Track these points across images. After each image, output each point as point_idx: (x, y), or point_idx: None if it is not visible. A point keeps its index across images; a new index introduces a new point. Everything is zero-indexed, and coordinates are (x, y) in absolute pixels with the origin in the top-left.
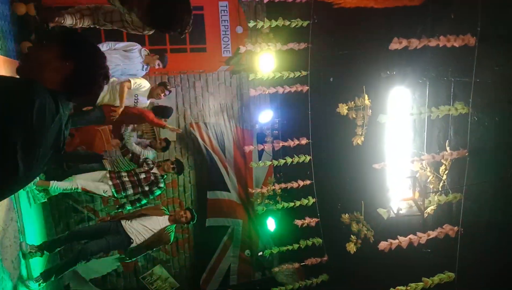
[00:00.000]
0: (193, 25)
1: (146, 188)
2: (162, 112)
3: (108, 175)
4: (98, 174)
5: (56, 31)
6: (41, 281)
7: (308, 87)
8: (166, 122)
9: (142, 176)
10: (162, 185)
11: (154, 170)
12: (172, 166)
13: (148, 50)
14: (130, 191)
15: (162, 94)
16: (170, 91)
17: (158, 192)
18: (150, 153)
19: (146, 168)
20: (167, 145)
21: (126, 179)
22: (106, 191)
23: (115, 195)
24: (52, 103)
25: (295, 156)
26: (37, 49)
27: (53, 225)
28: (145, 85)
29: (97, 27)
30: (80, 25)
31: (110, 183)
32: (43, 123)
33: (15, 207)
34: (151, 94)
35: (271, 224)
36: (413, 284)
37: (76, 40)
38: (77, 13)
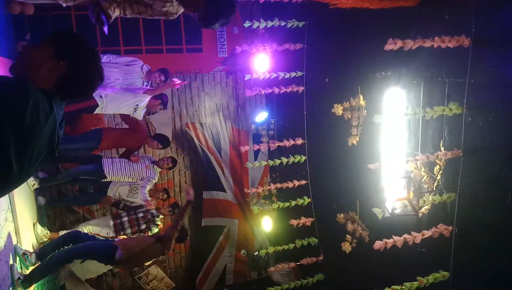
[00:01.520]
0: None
1: (143, 227)
2: (160, 141)
3: (111, 220)
4: (106, 220)
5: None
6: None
7: (303, 88)
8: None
9: (140, 215)
10: (158, 222)
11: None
12: (169, 209)
13: (149, 67)
14: (129, 231)
15: (159, 108)
16: (166, 107)
17: (155, 229)
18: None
19: (145, 209)
20: (174, 164)
21: (125, 219)
22: (109, 232)
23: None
24: (46, 102)
25: (290, 156)
26: (31, 48)
27: (49, 226)
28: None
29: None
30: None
31: (111, 223)
32: (37, 123)
33: (10, 207)
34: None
35: (266, 224)
36: (408, 284)
37: (71, 40)
38: (110, 6)
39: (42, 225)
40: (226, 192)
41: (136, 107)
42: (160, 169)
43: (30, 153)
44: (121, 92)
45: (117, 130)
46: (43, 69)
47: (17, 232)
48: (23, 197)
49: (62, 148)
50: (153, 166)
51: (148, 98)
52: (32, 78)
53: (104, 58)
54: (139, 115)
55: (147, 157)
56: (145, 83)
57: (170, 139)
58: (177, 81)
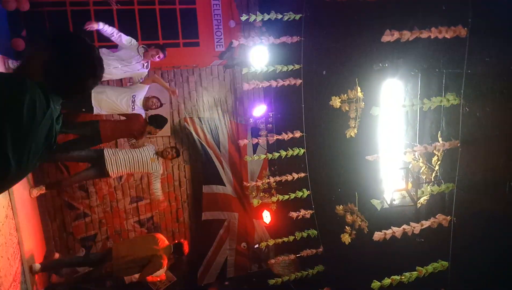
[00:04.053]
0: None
1: None
2: (157, 121)
3: None
4: None
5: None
6: None
7: (301, 80)
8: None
9: None
10: None
11: None
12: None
13: (145, 46)
14: None
15: (155, 105)
16: (162, 104)
17: None
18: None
19: None
20: (177, 154)
21: None
22: None
23: None
24: (42, 98)
25: (289, 149)
26: (31, 48)
27: (49, 222)
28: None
29: None
30: None
31: None
32: (34, 119)
33: (10, 204)
34: (145, 102)
35: (266, 216)
36: (407, 274)
37: (63, 35)
38: None
39: (43, 220)
40: (225, 186)
41: (133, 99)
42: (163, 159)
43: (28, 149)
44: (116, 87)
45: (113, 120)
46: (32, 61)
47: (17, 229)
48: (23, 194)
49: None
50: (158, 157)
51: (145, 88)
52: (24, 72)
53: (100, 26)
54: (141, 111)
55: (151, 146)
56: (145, 64)
57: (169, 134)
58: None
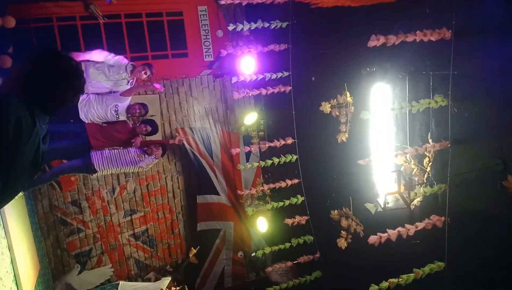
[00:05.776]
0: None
1: None
2: (150, 124)
3: None
4: None
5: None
6: None
7: (290, 87)
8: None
9: None
10: None
11: None
12: None
13: (133, 64)
14: None
15: (137, 113)
16: (147, 111)
17: None
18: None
19: None
20: (164, 151)
21: None
22: None
23: None
24: (28, 117)
25: (282, 156)
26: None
27: (43, 239)
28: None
29: None
30: None
31: None
32: (20, 138)
33: (2, 223)
34: (127, 110)
35: (262, 224)
36: (404, 276)
37: (41, 50)
38: None
39: (36, 237)
40: (219, 195)
41: (116, 108)
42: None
43: (15, 168)
44: (99, 97)
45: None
46: (12, 76)
47: (10, 248)
48: (14, 212)
49: (50, 148)
50: (145, 155)
51: (128, 100)
52: (8, 89)
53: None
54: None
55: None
56: (130, 81)
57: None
58: (157, 85)
